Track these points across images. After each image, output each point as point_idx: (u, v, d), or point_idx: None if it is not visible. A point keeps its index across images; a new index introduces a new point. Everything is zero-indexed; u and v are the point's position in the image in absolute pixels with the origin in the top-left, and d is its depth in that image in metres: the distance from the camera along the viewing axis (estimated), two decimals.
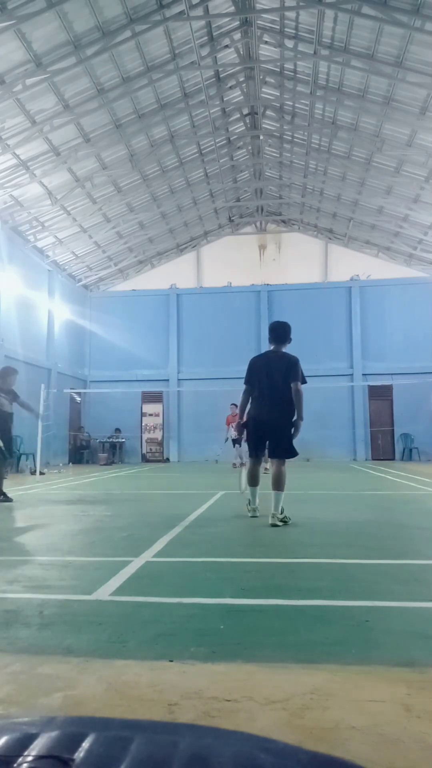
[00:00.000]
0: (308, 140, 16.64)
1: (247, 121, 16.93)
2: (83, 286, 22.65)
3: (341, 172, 17.81)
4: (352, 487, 9.81)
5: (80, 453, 21.14)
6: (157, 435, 22.54)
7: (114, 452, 21.34)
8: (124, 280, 23.66)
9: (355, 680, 1.83)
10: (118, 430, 21.68)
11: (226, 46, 13.65)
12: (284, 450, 5.45)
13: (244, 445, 6.79)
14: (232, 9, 12.35)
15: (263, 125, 16.82)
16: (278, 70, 14.60)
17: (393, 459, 20.85)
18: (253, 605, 2.69)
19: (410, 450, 20.40)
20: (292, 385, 5.34)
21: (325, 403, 20.05)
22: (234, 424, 11.45)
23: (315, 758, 0.86)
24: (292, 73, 14.44)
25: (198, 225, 22.38)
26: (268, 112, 16.39)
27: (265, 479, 5.71)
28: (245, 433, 5.81)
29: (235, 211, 22.53)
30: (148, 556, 3.82)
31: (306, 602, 2.73)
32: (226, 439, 15.17)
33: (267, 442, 5.59)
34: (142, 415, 22.55)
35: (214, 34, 13.10)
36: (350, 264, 22.17)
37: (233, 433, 12.62)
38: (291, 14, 12.40)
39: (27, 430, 14.66)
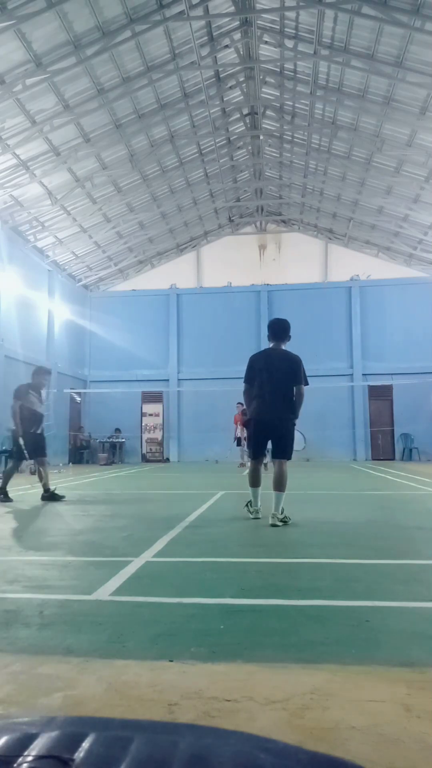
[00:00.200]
0: (308, 140, 16.64)
1: (247, 121, 16.93)
2: (83, 286, 22.65)
3: (341, 172, 17.81)
4: (352, 487, 9.81)
5: (80, 453, 21.14)
6: (157, 435, 22.54)
7: (114, 452, 21.34)
8: (124, 280, 23.66)
9: (355, 680, 1.83)
10: (118, 430, 21.67)
11: (226, 46, 13.65)
12: (284, 450, 5.45)
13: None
14: (232, 9, 12.35)
15: (263, 125, 16.82)
16: (278, 70, 14.60)
17: (393, 459, 20.85)
18: (253, 605, 2.69)
19: (410, 450, 20.40)
20: (296, 388, 5.35)
21: (325, 403, 20.06)
22: (240, 422, 11.42)
23: (315, 758, 0.86)
24: (292, 73, 14.44)
25: (198, 225, 22.38)
26: (268, 112, 16.39)
27: (265, 480, 5.70)
28: (247, 431, 5.79)
29: (235, 211, 22.53)
30: (148, 556, 3.81)
31: (306, 602, 2.72)
32: (236, 439, 15.15)
33: (269, 442, 5.58)
34: (142, 415, 22.55)
35: (214, 34, 13.10)
36: (350, 264, 22.16)
37: (242, 432, 12.59)
38: (291, 14, 12.40)
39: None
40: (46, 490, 7.39)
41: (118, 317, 22.83)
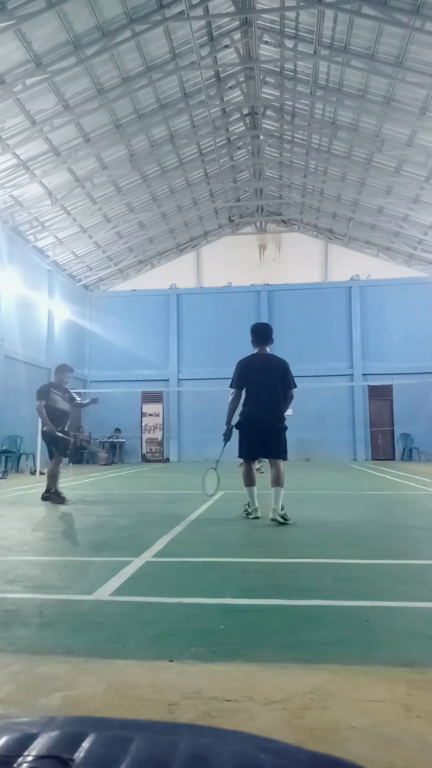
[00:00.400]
0: (308, 140, 16.64)
1: (247, 121, 16.93)
2: (83, 286, 22.65)
3: (341, 172, 17.81)
4: (352, 487, 9.80)
5: (80, 453, 21.14)
6: (157, 435, 22.54)
7: (114, 452, 21.34)
8: (124, 280, 23.66)
9: (355, 680, 1.83)
10: (118, 430, 21.67)
11: (226, 46, 13.64)
12: (281, 451, 5.51)
13: None
14: (232, 9, 12.35)
15: (263, 125, 16.82)
16: (278, 70, 14.60)
17: (393, 459, 20.84)
18: (253, 605, 2.69)
19: (410, 450, 20.40)
20: (289, 392, 5.56)
21: (325, 403, 20.06)
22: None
23: (315, 758, 0.85)
24: (292, 73, 14.44)
25: (198, 225, 22.38)
26: (268, 112, 16.38)
27: (261, 480, 5.71)
28: (240, 434, 5.74)
29: (235, 211, 22.53)
30: (148, 556, 3.81)
31: (306, 602, 2.72)
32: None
33: (263, 444, 5.59)
34: (142, 415, 22.55)
35: (214, 34, 13.10)
36: (350, 264, 22.16)
37: None
38: (291, 14, 12.40)
39: (27, 430, 14.65)
40: (48, 489, 7.36)
41: (118, 317, 22.83)
